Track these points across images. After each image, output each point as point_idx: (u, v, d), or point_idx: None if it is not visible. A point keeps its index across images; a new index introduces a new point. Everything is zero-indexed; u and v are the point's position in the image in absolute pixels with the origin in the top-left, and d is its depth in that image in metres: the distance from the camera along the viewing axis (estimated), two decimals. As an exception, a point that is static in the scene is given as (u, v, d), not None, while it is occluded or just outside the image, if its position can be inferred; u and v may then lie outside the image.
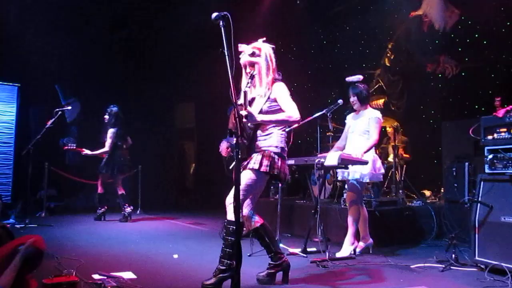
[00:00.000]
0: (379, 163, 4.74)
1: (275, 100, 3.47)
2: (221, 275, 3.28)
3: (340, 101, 4.94)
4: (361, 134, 4.69)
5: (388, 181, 6.44)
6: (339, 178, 4.95)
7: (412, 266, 4.18)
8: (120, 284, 3.17)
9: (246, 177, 3.41)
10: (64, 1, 8.69)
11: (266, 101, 3.46)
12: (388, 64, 7.85)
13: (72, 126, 9.89)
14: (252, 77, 3.39)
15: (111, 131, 7.28)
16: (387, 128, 6.86)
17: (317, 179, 4.59)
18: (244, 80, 3.53)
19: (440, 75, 7.10)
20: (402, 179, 6.52)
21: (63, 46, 8.99)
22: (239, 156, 2.34)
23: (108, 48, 9.75)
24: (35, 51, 8.68)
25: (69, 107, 7.76)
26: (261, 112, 3.43)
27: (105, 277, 3.21)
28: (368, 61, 8.15)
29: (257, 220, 3.57)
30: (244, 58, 3.51)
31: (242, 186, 3.39)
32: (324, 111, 4.93)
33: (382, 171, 4.76)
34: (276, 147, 3.47)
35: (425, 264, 4.21)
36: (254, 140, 3.49)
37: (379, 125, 4.69)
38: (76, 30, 9.25)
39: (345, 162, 4.27)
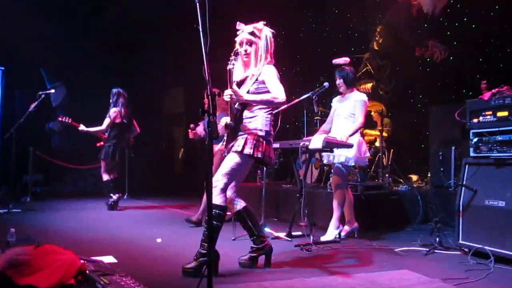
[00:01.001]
0: (364, 146, 4.71)
1: (263, 82, 3.43)
2: (201, 258, 3.25)
3: (326, 84, 4.89)
4: (346, 117, 4.65)
5: (375, 166, 6.42)
6: (325, 161, 4.92)
7: (396, 250, 4.18)
8: (98, 267, 3.12)
9: (230, 160, 3.38)
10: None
11: (254, 82, 3.44)
12: (376, 48, 7.77)
13: (58, 110, 9.75)
14: (236, 54, 3.33)
15: (112, 110, 7.00)
16: (372, 113, 6.82)
17: (302, 162, 4.54)
18: (239, 59, 3.49)
19: (428, 60, 7.03)
20: (389, 163, 6.50)
21: (49, 29, 8.81)
22: (212, 136, 2.28)
23: (95, 32, 9.57)
24: (21, 33, 8.50)
25: (53, 91, 7.58)
26: (248, 92, 3.41)
27: (84, 261, 3.15)
28: (356, 45, 8.07)
29: (240, 203, 3.53)
30: (242, 36, 3.47)
31: (226, 170, 3.37)
32: (309, 94, 4.87)
33: (368, 154, 4.74)
34: (261, 130, 3.42)
35: (409, 248, 4.21)
36: (240, 122, 3.44)
37: (364, 108, 4.65)
38: (62, 13, 9.08)
39: (330, 146, 4.24)
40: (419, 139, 7.13)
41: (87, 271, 3.00)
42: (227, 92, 3.27)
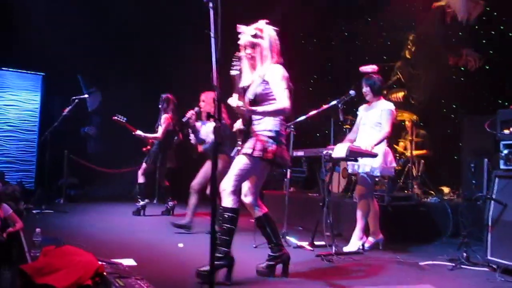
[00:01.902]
0: (390, 156, 4.60)
1: (269, 83, 3.36)
2: (217, 262, 3.24)
3: (352, 92, 4.80)
4: (372, 126, 4.56)
5: (405, 176, 6.27)
6: (349, 171, 4.83)
7: (420, 264, 4.05)
8: (115, 270, 3.16)
9: (238, 162, 3.34)
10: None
11: (261, 83, 3.36)
12: (408, 57, 7.61)
13: (93, 115, 10.01)
14: (239, 58, 3.31)
15: (164, 116, 6.92)
16: (406, 122, 6.67)
17: (326, 171, 4.48)
18: (244, 61, 3.45)
19: (462, 68, 6.85)
20: (419, 174, 6.33)
21: (87, 36, 9.08)
22: (218, 141, 2.26)
23: (131, 38, 9.79)
24: (59, 40, 8.80)
25: (87, 96, 7.80)
26: (255, 95, 3.34)
27: (103, 263, 3.20)
28: (388, 53, 7.93)
29: (260, 209, 3.51)
30: (244, 38, 3.41)
31: (235, 172, 3.32)
32: (335, 102, 4.80)
33: (394, 164, 4.62)
34: (270, 130, 3.35)
35: (435, 262, 4.07)
36: (250, 124, 3.41)
37: (392, 117, 4.55)
38: (100, 21, 9.33)
39: (353, 155, 4.16)
40: (452, 150, 6.93)
41: (105, 273, 3.06)
42: (234, 103, 3.23)
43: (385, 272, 3.78)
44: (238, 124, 3.53)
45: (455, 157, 6.87)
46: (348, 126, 6.62)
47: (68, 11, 8.86)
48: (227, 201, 3.29)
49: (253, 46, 3.40)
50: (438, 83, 7.21)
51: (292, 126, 4.83)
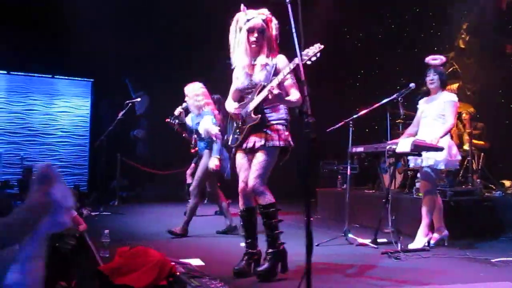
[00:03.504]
0: (455, 149, 4.44)
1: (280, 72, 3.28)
2: (274, 259, 3.25)
3: (412, 85, 4.68)
4: (435, 119, 4.41)
5: (464, 170, 6.06)
6: (411, 165, 4.67)
7: (492, 260, 3.89)
8: (187, 270, 3.19)
9: (259, 159, 3.30)
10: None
11: (275, 73, 3.29)
12: (462, 46, 7.36)
13: (142, 118, 10.21)
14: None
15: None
16: (463, 115, 6.45)
17: (388, 167, 4.37)
18: (243, 44, 3.36)
19: (521, 56, 6.59)
20: (479, 168, 6.11)
21: (132, 42, 9.26)
22: (313, 136, 2.16)
23: (174, 40, 9.91)
24: (106, 47, 9.01)
25: (139, 99, 7.94)
26: (279, 84, 3.26)
27: (174, 263, 3.23)
28: (440, 44, 7.69)
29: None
30: (255, 21, 3.31)
31: (258, 168, 3.28)
32: (394, 96, 4.69)
33: (459, 157, 4.46)
34: (285, 119, 3.38)
35: (508, 259, 3.90)
36: (263, 113, 3.33)
37: (455, 109, 4.41)
38: (145, 26, 9.49)
39: (418, 149, 4.05)
40: (512, 141, 6.67)
41: (177, 273, 3.09)
42: (274, 92, 3.13)
43: (457, 270, 3.65)
44: (244, 112, 3.41)
45: (516, 149, 6.61)
46: (401, 121, 6.47)
47: (114, 17, 9.06)
48: (264, 198, 3.28)
49: (262, 31, 3.33)
50: (493, 73, 6.95)
51: (351, 122, 4.75)
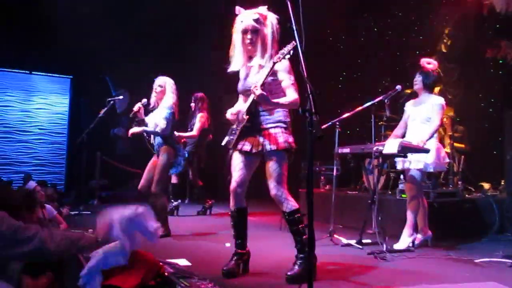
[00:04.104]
0: (443, 151, 4.51)
1: (277, 74, 3.25)
2: (304, 264, 3.20)
3: (398, 87, 4.73)
4: (423, 122, 4.46)
5: (445, 173, 6.15)
6: (399, 167, 4.71)
7: (476, 261, 3.95)
8: (176, 270, 3.13)
9: (272, 166, 3.24)
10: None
11: (270, 74, 3.20)
12: (444, 51, 7.48)
13: (122, 116, 10.04)
14: (288, 53, 3.06)
15: (200, 115, 6.86)
16: (444, 119, 6.54)
17: (373, 168, 4.40)
18: (239, 46, 3.33)
19: (501, 61, 6.71)
20: (460, 170, 6.21)
21: (114, 39, 9.11)
22: (318, 135, 2.12)
23: (156, 39, 9.81)
24: (87, 43, 8.85)
25: (121, 97, 7.81)
26: (263, 85, 3.19)
27: (162, 263, 3.17)
28: (422, 48, 7.79)
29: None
30: (247, 22, 3.25)
31: (275, 176, 3.23)
32: (381, 98, 4.72)
33: (447, 160, 4.53)
34: (284, 122, 3.31)
35: (491, 259, 3.96)
36: (258, 115, 3.29)
37: (442, 112, 4.49)
38: (126, 22, 9.36)
39: (405, 150, 4.09)
40: (491, 145, 6.79)
41: (166, 273, 3.03)
42: (258, 92, 3.08)
43: (443, 270, 3.69)
44: (240, 115, 3.35)
45: (494, 151, 6.74)
46: (383, 123, 6.53)
47: (93, 14, 8.91)
48: (287, 204, 3.24)
49: (256, 31, 3.26)
50: (474, 77, 7.08)
51: (337, 123, 4.76)
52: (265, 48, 3.28)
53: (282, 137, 3.24)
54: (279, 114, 3.31)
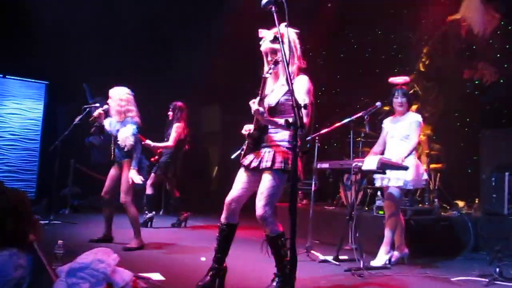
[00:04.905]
0: (422, 169, 4.54)
1: (293, 94, 3.20)
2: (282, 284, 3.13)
3: (378, 104, 4.73)
4: (402, 139, 4.49)
5: (421, 190, 6.19)
6: (377, 185, 4.71)
7: (452, 279, 3.96)
8: (148, 285, 3.04)
9: (265, 184, 3.13)
10: (96, 1, 8.72)
11: (286, 92, 3.14)
12: (422, 69, 7.57)
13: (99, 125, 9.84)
14: (276, 63, 3.02)
15: (177, 125, 6.75)
16: (421, 136, 6.60)
17: (352, 184, 4.39)
18: (266, 67, 3.27)
19: (477, 82, 6.83)
20: (436, 188, 6.27)
21: (93, 45, 8.97)
22: (304, 149, 2.10)
23: (137, 49, 9.70)
24: (64, 49, 8.69)
25: (98, 104, 7.61)
26: (277, 103, 3.16)
27: (135, 277, 3.07)
28: (401, 66, 7.88)
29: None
30: (265, 45, 3.22)
31: (265, 194, 3.11)
32: (361, 114, 4.72)
33: (425, 176, 4.55)
34: (288, 141, 3.16)
35: (467, 278, 3.98)
36: (265, 132, 3.23)
37: (420, 129, 4.53)
38: (107, 30, 9.23)
39: (384, 167, 4.09)
40: (466, 163, 6.88)
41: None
42: (254, 107, 2.99)
43: (420, 288, 3.68)
44: (247, 128, 3.31)
45: (469, 170, 6.82)
46: (361, 139, 6.55)
47: (72, 19, 8.76)
48: (273, 228, 3.15)
49: (274, 52, 3.20)
50: (451, 97, 7.18)
51: (317, 138, 4.74)
52: (284, 66, 3.12)
53: (281, 156, 3.14)
54: (286, 133, 3.19)
